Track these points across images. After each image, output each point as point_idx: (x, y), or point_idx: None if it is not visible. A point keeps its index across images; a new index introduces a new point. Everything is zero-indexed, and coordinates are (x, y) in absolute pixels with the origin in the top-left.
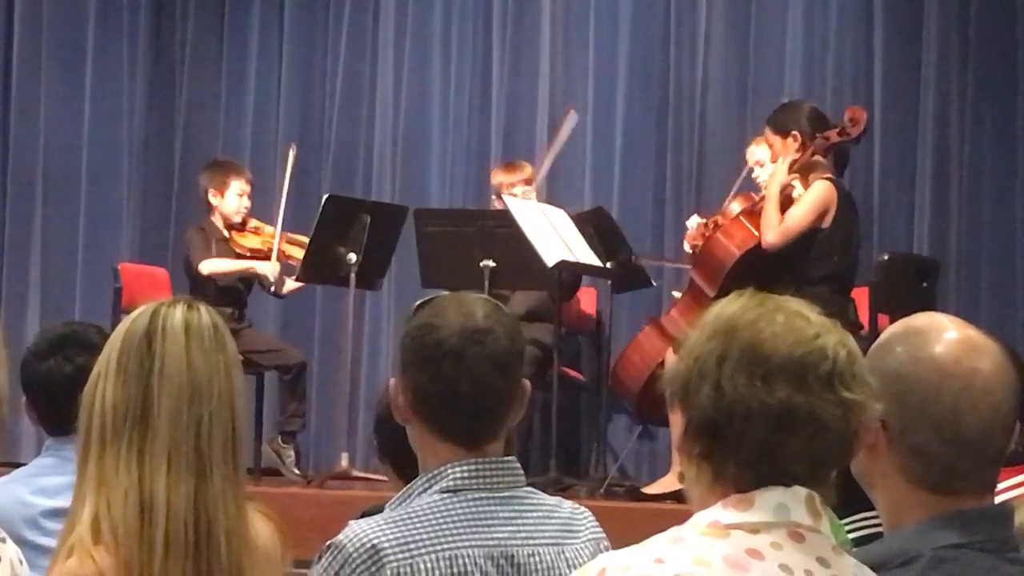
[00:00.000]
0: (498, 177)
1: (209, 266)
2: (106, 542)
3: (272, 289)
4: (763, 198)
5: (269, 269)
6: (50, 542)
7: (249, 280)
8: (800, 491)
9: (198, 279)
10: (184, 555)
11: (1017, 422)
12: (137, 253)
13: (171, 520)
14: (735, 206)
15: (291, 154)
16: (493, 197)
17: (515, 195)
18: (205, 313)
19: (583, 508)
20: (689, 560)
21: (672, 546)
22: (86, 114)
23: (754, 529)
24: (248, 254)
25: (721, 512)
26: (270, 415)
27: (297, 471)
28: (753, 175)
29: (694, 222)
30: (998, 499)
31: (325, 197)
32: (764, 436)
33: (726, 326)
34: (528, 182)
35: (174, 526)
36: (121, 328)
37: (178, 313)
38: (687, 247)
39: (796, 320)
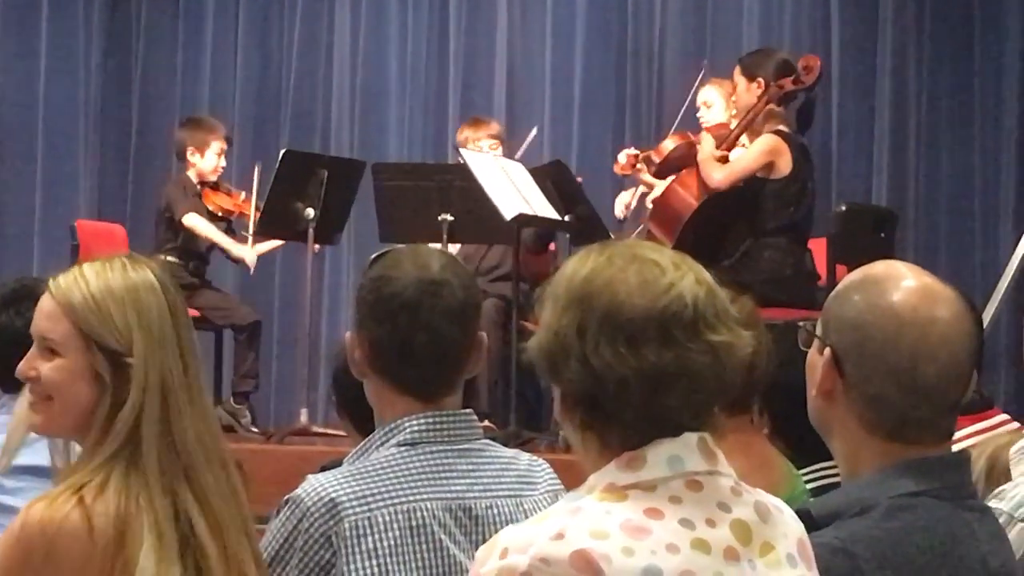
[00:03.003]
0: (464, 133)
1: (191, 220)
2: (103, 499)
3: (240, 248)
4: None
5: (248, 255)
6: (8, 500)
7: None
8: (690, 437)
9: (170, 229)
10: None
11: (975, 371)
12: (95, 211)
13: (207, 471)
14: (669, 143)
15: (256, 171)
16: (456, 150)
17: (480, 150)
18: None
19: (541, 460)
20: (587, 533)
21: (570, 518)
22: (42, 73)
23: (651, 486)
24: (220, 212)
25: (615, 473)
26: (228, 374)
27: (255, 429)
28: (698, 115)
29: (624, 156)
30: (956, 447)
31: (282, 152)
32: (641, 398)
33: (580, 293)
34: (495, 137)
35: (208, 479)
36: (147, 300)
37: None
38: (616, 171)
39: (648, 271)
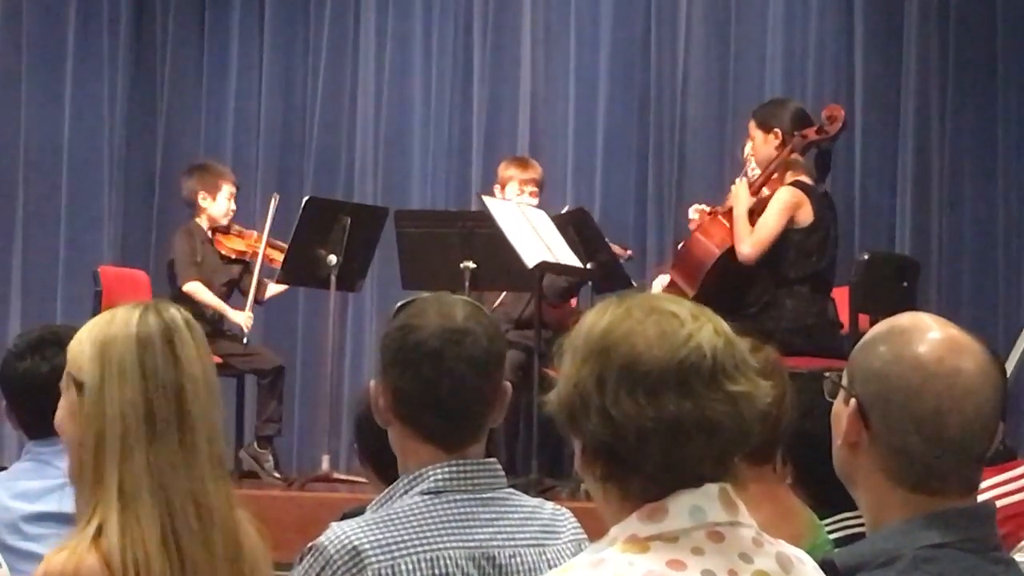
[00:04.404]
0: (510, 170)
1: (191, 288)
2: (121, 543)
3: (251, 301)
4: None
5: (242, 320)
6: (32, 547)
7: (231, 284)
8: (711, 488)
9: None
10: (228, 556)
11: (1000, 422)
12: (119, 256)
13: (219, 522)
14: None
15: (273, 203)
16: (497, 187)
17: (523, 193)
18: (187, 314)
19: (564, 509)
20: None
21: (593, 570)
22: (67, 117)
23: (673, 537)
24: (233, 255)
25: (637, 525)
26: (251, 419)
27: (277, 475)
28: (750, 168)
29: (695, 211)
30: (980, 498)
31: (305, 199)
32: (661, 449)
33: (599, 345)
34: (538, 184)
35: (223, 526)
36: (119, 330)
37: (176, 314)
38: (691, 228)
39: (667, 322)
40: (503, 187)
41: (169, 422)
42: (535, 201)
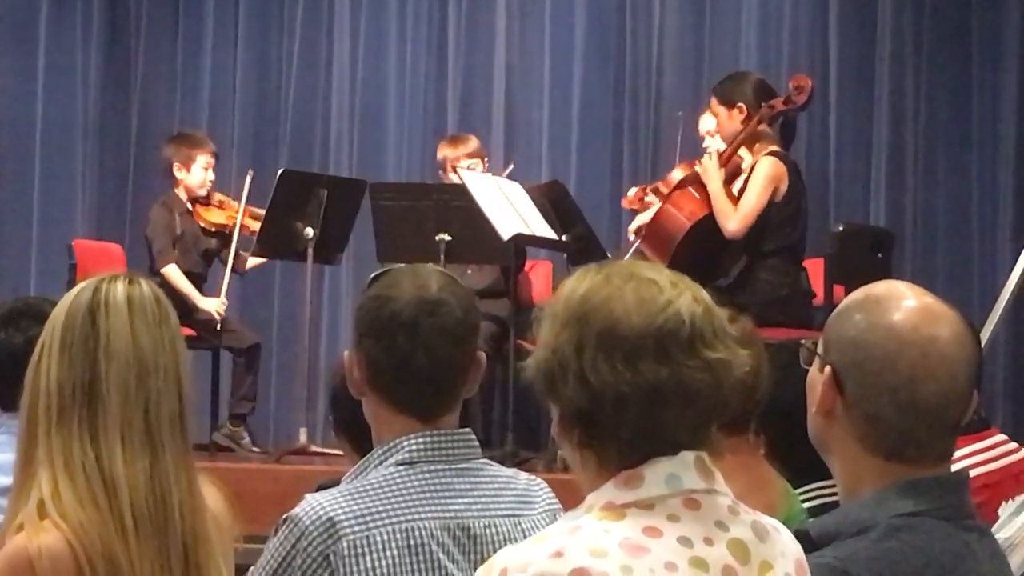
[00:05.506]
0: (443, 151)
1: (168, 272)
2: (65, 517)
3: (229, 272)
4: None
5: (213, 307)
6: None
7: (210, 255)
8: (687, 456)
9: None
10: (151, 531)
11: (975, 391)
12: (93, 229)
13: (134, 496)
14: (677, 172)
15: (247, 179)
16: (440, 173)
17: (462, 169)
18: (146, 287)
19: (539, 480)
20: (586, 552)
21: (569, 537)
22: (40, 90)
23: (649, 504)
24: (213, 228)
25: (614, 492)
26: (227, 392)
27: (256, 449)
28: (703, 144)
29: (633, 191)
30: (955, 467)
31: (280, 172)
32: (638, 416)
33: (578, 312)
34: (474, 155)
35: (138, 502)
36: (62, 305)
37: (120, 288)
38: (625, 207)
39: (646, 289)
40: (445, 171)
41: (83, 398)
42: (479, 171)
